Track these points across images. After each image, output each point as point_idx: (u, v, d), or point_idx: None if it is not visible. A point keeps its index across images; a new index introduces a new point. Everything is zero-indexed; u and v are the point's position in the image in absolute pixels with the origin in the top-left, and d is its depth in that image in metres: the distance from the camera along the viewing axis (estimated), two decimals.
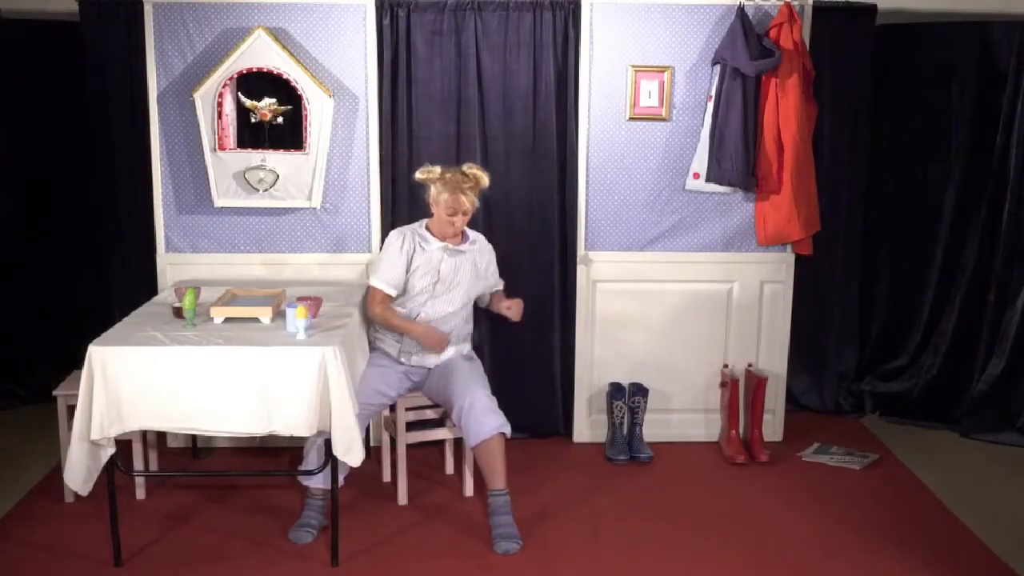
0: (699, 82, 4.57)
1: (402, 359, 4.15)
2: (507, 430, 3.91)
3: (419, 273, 4.07)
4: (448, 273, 4.09)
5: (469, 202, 3.97)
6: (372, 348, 4.24)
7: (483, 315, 4.57)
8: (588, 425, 4.92)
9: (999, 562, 3.76)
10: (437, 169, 4.03)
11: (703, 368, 4.86)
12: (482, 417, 3.87)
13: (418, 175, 4.06)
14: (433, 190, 4.01)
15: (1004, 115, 4.88)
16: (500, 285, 4.41)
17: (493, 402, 3.95)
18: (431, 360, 4.15)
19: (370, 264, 4.55)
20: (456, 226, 4.03)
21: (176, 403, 3.49)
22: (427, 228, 4.12)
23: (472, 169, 4.03)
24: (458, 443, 4.38)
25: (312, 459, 3.87)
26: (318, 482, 3.88)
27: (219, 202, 4.51)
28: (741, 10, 4.42)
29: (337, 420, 3.51)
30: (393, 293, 4.08)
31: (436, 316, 4.11)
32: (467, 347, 4.28)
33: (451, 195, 3.95)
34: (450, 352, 4.17)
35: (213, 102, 4.37)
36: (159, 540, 3.86)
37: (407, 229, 4.14)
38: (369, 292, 4.14)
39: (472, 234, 4.23)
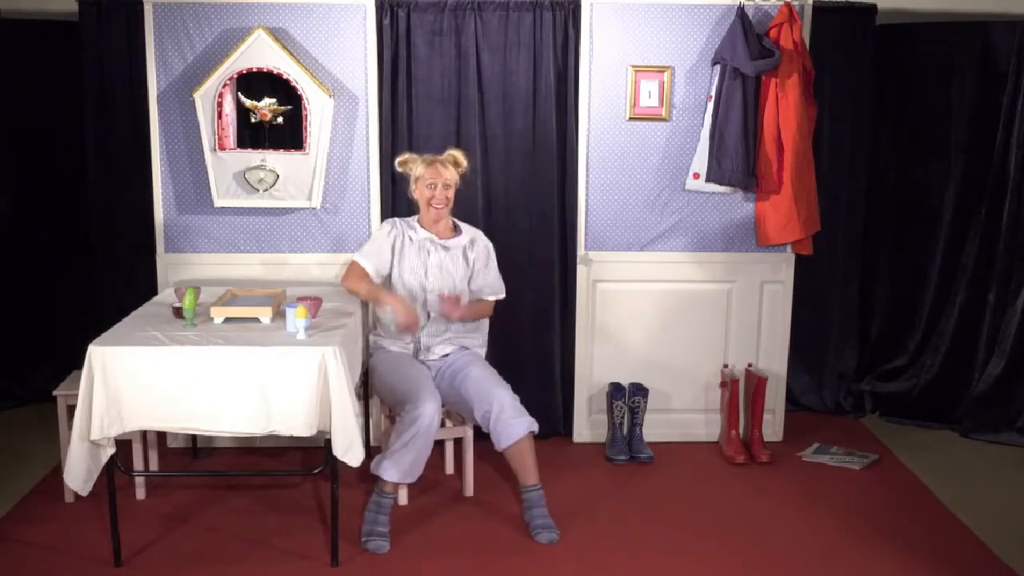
0: (699, 82, 4.57)
1: (420, 356, 4.15)
2: (535, 427, 3.95)
3: (407, 268, 4.07)
4: (435, 270, 4.08)
5: (449, 174, 4.03)
6: (377, 348, 4.21)
7: None
8: (588, 425, 4.92)
9: (999, 562, 3.76)
10: (415, 156, 4.13)
11: (703, 368, 4.86)
12: (512, 421, 3.89)
13: (397, 163, 4.16)
14: (413, 172, 4.08)
15: (1004, 114, 4.87)
16: (497, 294, 4.26)
17: (517, 400, 3.96)
18: (437, 352, 4.15)
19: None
20: (436, 200, 4.02)
21: (176, 403, 3.49)
22: (417, 221, 4.16)
23: (449, 149, 4.13)
24: (458, 443, 4.38)
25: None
26: (391, 475, 3.85)
27: (219, 202, 4.50)
28: (741, 10, 4.42)
29: (337, 420, 3.51)
30: (371, 271, 4.07)
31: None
32: (467, 339, 4.24)
33: (428, 167, 4.03)
34: (448, 348, 4.17)
35: (213, 102, 4.37)
36: (159, 540, 3.86)
37: (397, 219, 4.20)
38: (349, 265, 4.15)
39: (468, 229, 4.21)
